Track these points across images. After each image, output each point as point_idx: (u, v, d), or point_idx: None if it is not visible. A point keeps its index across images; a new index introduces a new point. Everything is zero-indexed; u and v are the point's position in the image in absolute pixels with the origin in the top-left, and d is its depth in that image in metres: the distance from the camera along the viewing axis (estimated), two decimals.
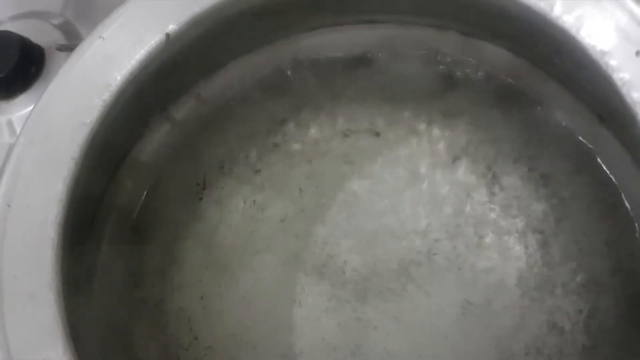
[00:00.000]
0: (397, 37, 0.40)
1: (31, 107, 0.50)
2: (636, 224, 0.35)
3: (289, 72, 0.41)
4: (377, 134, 0.41)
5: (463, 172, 0.39)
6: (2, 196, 0.27)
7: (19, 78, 0.53)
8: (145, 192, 0.40)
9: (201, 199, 0.41)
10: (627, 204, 0.35)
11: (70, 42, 0.54)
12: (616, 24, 0.26)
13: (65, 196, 0.27)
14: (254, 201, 0.41)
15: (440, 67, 0.40)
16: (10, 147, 0.28)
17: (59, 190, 0.27)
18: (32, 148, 0.28)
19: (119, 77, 0.29)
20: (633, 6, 0.26)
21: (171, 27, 0.30)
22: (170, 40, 0.30)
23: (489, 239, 0.38)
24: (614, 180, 0.36)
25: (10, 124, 0.53)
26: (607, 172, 0.36)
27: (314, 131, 0.42)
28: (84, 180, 0.29)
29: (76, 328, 0.27)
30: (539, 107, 0.38)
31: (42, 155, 0.27)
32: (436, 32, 0.39)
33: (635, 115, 0.25)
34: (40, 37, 0.54)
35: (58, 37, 0.55)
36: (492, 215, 0.38)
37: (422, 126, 0.40)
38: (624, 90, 0.25)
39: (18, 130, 0.51)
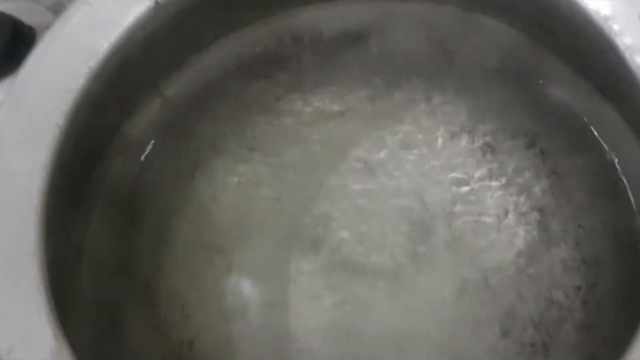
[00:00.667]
0: (396, 12, 0.40)
1: None
2: (633, 200, 0.35)
3: (284, 48, 0.41)
4: (373, 112, 0.41)
5: (462, 148, 0.39)
6: None
7: (9, 59, 0.52)
8: (136, 170, 0.39)
9: (193, 177, 0.40)
10: (625, 180, 0.35)
11: None
12: None
13: (50, 164, 0.26)
14: (249, 179, 0.40)
15: (439, 42, 0.40)
16: None
17: (43, 158, 0.27)
18: (16, 114, 0.27)
19: (105, 45, 0.29)
20: None
21: None
22: (159, 6, 0.30)
23: (487, 217, 0.38)
24: (613, 156, 0.36)
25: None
26: (606, 148, 0.36)
27: (309, 108, 0.41)
28: (71, 150, 0.29)
29: (65, 306, 0.27)
30: (539, 82, 0.38)
31: (27, 121, 0.27)
32: (434, 7, 0.39)
33: (639, 80, 0.25)
34: (31, 19, 0.54)
35: (50, 19, 0.54)
36: (491, 192, 0.38)
37: (420, 102, 0.40)
38: (627, 55, 0.26)
39: None
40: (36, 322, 0.24)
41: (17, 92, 0.28)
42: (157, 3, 0.30)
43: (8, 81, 0.52)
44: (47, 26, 0.53)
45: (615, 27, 0.26)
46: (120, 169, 0.38)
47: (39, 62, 0.29)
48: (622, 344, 0.24)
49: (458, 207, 0.38)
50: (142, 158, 0.40)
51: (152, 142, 0.40)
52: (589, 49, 0.29)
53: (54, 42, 0.29)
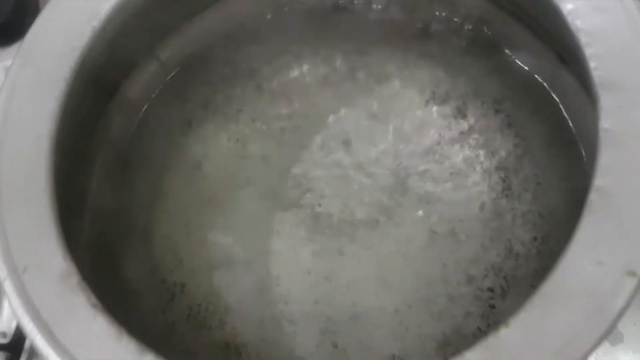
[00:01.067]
0: None
1: None
2: (585, 159, 0.36)
3: (270, 17, 0.43)
4: (355, 78, 0.43)
5: (435, 112, 0.41)
6: (0, 111, 0.29)
7: (15, 27, 0.54)
8: (133, 128, 0.41)
9: (186, 135, 0.42)
10: (579, 141, 0.37)
11: None
12: None
13: (58, 113, 0.29)
14: (237, 139, 0.42)
15: (415, 13, 0.42)
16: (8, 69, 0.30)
17: (52, 107, 0.29)
18: (27, 69, 0.30)
19: (107, 7, 0.31)
20: None
21: None
22: None
23: (456, 175, 0.40)
24: (569, 119, 0.38)
25: (7, 70, 0.54)
26: (564, 111, 0.38)
27: (295, 74, 0.43)
28: (76, 102, 0.31)
29: (68, 242, 0.29)
30: (506, 51, 0.40)
31: (37, 75, 0.30)
32: None
33: (579, 40, 0.27)
34: None
35: None
36: (461, 152, 0.40)
37: (397, 70, 0.43)
38: (569, 19, 0.28)
39: None
40: (47, 247, 0.26)
41: (28, 49, 0.30)
42: None
43: (16, 45, 0.54)
44: None
45: None
46: (119, 126, 0.40)
47: (47, 22, 0.31)
48: None
49: (430, 166, 0.40)
50: (140, 116, 0.42)
51: (149, 102, 0.42)
52: (543, 16, 0.31)
53: (60, 3, 0.31)
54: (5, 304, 0.48)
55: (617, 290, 0.23)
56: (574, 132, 0.38)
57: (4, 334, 0.46)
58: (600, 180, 0.25)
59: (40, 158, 0.28)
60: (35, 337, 0.24)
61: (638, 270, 0.22)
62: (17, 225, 0.27)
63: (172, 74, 0.42)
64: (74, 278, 0.26)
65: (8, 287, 0.25)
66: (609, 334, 0.22)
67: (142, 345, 0.24)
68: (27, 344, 0.45)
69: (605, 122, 0.25)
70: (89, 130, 0.37)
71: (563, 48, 0.35)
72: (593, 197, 0.24)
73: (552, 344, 0.22)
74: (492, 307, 0.37)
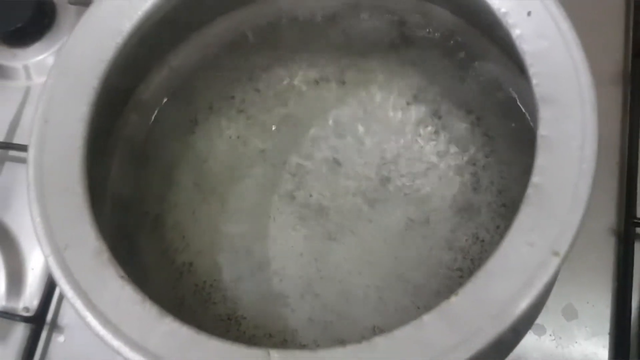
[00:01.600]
0: None
1: (45, 55, 0.59)
2: None
3: (268, 28, 0.47)
4: (343, 82, 0.47)
5: (414, 114, 0.46)
6: (41, 114, 0.34)
7: (33, 29, 0.59)
8: (147, 126, 0.45)
9: (194, 133, 0.47)
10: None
11: None
12: None
13: (88, 116, 0.34)
14: (238, 136, 0.47)
15: (397, 25, 0.46)
16: (46, 77, 0.35)
17: (84, 111, 0.34)
18: (62, 78, 0.35)
19: (128, 25, 0.36)
20: None
21: None
22: None
23: (431, 170, 0.44)
24: (530, 121, 0.41)
25: (26, 68, 0.59)
26: (526, 115, 0.42)
27: (289, 79, 0.48)
28: (101, 106, 0.36)
29: None
30: (475, 61, 0.44)
31: (70, 84, 0.34)
32: None
33: (525, 61, 0.32)
34: None
35: None
36: (436, 150, 0.44)
37: (380, 75, 0.47)
38: (517, 42, 0.33)
39: (33, 74, 0.59)
40: (82, 228, 0.31)
41: (63, 62, 0.35)
42: None
43: (35, 46, 0.59)
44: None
45: (510, 20, 0.33)
46: (135, 124, 0.44)
47: (78, 38, 0.36)
48: None
49: (408, 162, 0.44)
50: (153, 116, 0.46)
51: (161, 103, 0.46)
52: (503, 36, 0.36)
53: (89, 22, 0.36)
54: (28, 282, 0.53)
55: (544, 266, 0.28)
56: (535, 132, 0.42)
57: (27, 309, 0.52)
58: (536, 177, 0.30)
59: (74, 155, 0.33)
60: (76, 302, 0.29)
61: (561, 251, 0.28)
62: (58, 210, 0.32)
63: (181, 78, 0.46)
64: (105, 254, 0.31)
65: (52, 262, 0.30)
66: (537, 300, 0.28)
67: (162, 310, 0.30)
68: (48, 317, 0.51)
69: (543, 130, 0.31)
70: (109, 129, 0.41)
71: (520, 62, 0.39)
72: (530, 191, 0.30)
73: (491, 309, 0.28)
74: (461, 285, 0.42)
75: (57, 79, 0.35)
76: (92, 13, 0.36)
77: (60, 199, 0.32)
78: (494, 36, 0.41)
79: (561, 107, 0.31)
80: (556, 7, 0.33)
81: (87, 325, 0.29)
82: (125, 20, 0.36)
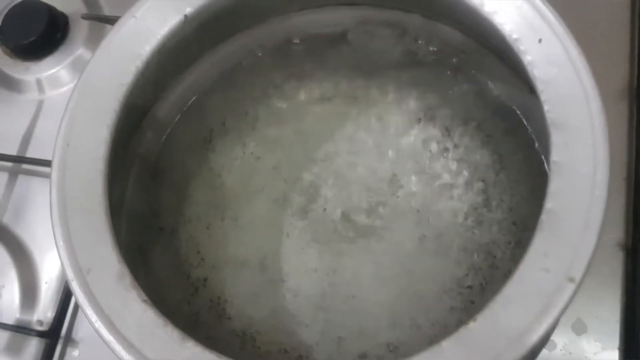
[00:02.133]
0: (372, 17, 0.46)
1: (57, 68, 0.60)
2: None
3: (281, 46, 0.48)
4: (355, 99, 0.48)
5: (424, 131, 0.46)
6: (63, 137, 0.35)
7: (46, 42, 0.59)
8: (162, 142, 0.46)
9: (207, 149, 0.47)
10: (544, 159, 0.41)
11: (91, 11, 0.61)
12: (526, 17, 0.34)
13: (109, 139, 0.35)
14: (251, 152, 0.47)
15: (406, 43, 0.47)
16: (67, 100, 0.36)
17: (105, 134, 0.35)
18: (83, 102, 0.35)
19: (148, 49, 0.37)
20: (539, 3, 0.34)
21: (188, 10, 0.38)
22: (187, 20, 0.38)
23: (443, 187, 0.44)
24: (536, 142, 0.42)
25: (39, 81, 0.60)
26: (533, 134, 0.42)
27: (302, 95, 0.48)
28: (121, 128, 0.36)
29: None
30: (483, 79, 0.45)
31: (91, 107, 0.35)
32: (403, 14, 0.45)
33: (536, 87, 0.33)
34: (64, 6, 0.61)
35: (80, 7, 0.61)
36: (447, 167, 0.45)
37: (391, 93, 0.47)
38: (529, 69, 0.33)
39: (46, 87, 0.59)
40: (105, 251, 0.32)
41: (84, 85, 0.36)
42: (185, 17, 0.38)
43: (47, 60, 0.60)
44: (78, 12, 0.61)
45: (522, 47, 0.34)
46: (150, 141, 0.45)
47: (98, 62, 0.36)
48: None
49: (420, 177, 0.45)
50: (167, 132, 0.46)
51: (175, 119, 0.46)
52: (513, 58, 0.37)
53: (109, 46, 0.37)
54: (42, 295, 0.53)
55: (560, 292, 0.28)
56: (541, 153, 0.42)
57: (41, 322, 0.52)
58: (550, 203, 0.30)
59: (96, 177, 0.34)
60: (100, 327, 0.30)
61: (576, 277, 0.28)
62: (80, 233, 0.32)
63: (196, 96, 0.47)
64: (127, 278, 0.31)
65: (75, 286, 0.31)
66: (554, 326, 0.28)
67: (183, 334, 0.30)
68: (63, 331, 0.51)
69: (555, 156, 0.31)
70: (125, 147, 0.42)
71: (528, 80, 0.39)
72: (544, 217, 0.30)
73: (509, 335, 0.28)
74: (472, 302, 0.41)
75: (78, 102, 0.36)
76: (112, 38, 0.37)
77: (83, 221, 0.33)
78: (503, 56, 0.42)
79: (572, 133, 0.31)
80: (566, 34, 0.33)
81: (111, 349, 0.29)
82: (145, 44, 0.37)
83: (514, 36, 0.34)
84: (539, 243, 0.30)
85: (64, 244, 0.32)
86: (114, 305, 0.30)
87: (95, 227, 0.32)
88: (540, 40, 0.33)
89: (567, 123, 0.31)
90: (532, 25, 0.33)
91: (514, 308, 0.28)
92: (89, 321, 0.30)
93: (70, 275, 0.31)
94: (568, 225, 0.30)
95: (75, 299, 0.31)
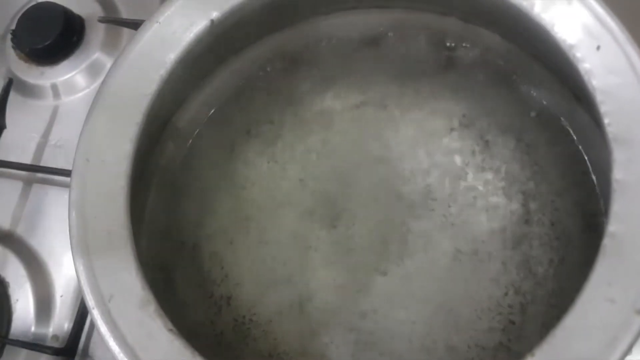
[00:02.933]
0: (406, 21, 0.44)
1: (73, 73, 0.58)
2: (597, 188, 0.39)
3: (309, 50, 0.46)
4: (385, 106, 0.46)
5: (460, 141, 0.44)
6: (82, 153, 0.33)
7: (62, 46, 0.57)
8: (183, 153, 0.44)
9: (231, 159, 0.45)
10: (591, 171, 0.40)
11: (108, 14, 0.59)
12: (582, 22, 0.31)
13: (132, 154, 0.33)
14: (277, 162, 0.45)
15: (442, 47, 0.45)
16: (87, 113, 0.34)
17: (127, 149, 0.33)
18: (103, 114, 0.33)
19: (172, 56, 0.35)
20: (596, 7, 0.31)
21: (215, 14, 0.36)
22: (214, 24, 0.36)
23: (479, 198, 0.42)
24: (582, 151, 0.40)
25: (54, 87, 0.58)
26: (578, 144, 0.41)
27: (330, 102, 0.46)
28: (143, 141, 0.35)
29: None
30: (525, 86, 0.43)
31: (112, 120, 0.33)
32: (439, 18, 0.43)
33: (595, 98, 0.31)
34: (81, 9, 0.59)
35: (97, 9, 0.59)
36: (484, 178, 0.43)
37: (424, 100, 0.45)
38: (586, 78, 0.31)
39: (61, 93, 0.57)
40: (128, 276, 0.30)
41: (104, 96, 0.34)
42: (212, 22, 0.36)
43: (63, 64, 0.58)
44: (94, 15, 0.59)
45: (578, 54, 0.31)
46: (171, 152, 0.43)
47: (120, 70, 0.34)
48: None
49: (455, 190, 0.43)
50: (189, 143, 0.44)
51: (197, 129, 0.44)
52: (562, 66, 0.34)
53: (131, 54, 0.34)
54: (57, 309, 0.52)
55: (627, 326, 0.26)
56: (587, 162, 0.40)
57: (57, 337, 0.50)
58: (613, 226, 0.28)
59: (118, 195, 0.32)
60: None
61: None
62: (101, 257, 0.30)
63: (219, 103, 0.45)
64: (152, 306, 0.29)
65: (96, 315, 0.29)
66: None
67: None
68: (80, 348, 0.49)
69: (618, 174, 0.29)
70: (147, 160, 0.40)
71: (580, 91, 0.37)
72: (607, 241, 0.28)
73: None
74: (512, 322, 0.39)
75: (98, 114, 0.33)
76: (134, 44, 0.35)
77: (104, 244, 0.31)
78: (550, 63, 0.40)
79: (636, 147, 0.29)
80: (627, 40, 0.31)
81: None
82: (169, 51, 0.35)
83: (569, 42, 0.31)
84: (602, 270, 0.27)
85: (84, 269, 0.30)
86: (139, 335, 0.28)
87: (118, 250, 0.30)
88: (598, 47, 0.30)
89: (630, 138, 0.29)
90: (590, 30, 0.31)
91: (576, 343, 0.26)
92: (111, 353, 0.28)
93: (91, 303, 0.29)
94: (634, 250, 0.27)
95: (97, 328, 0.29)
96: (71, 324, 0.48)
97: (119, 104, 0.34)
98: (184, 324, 0.32)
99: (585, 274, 0.38)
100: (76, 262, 0.30)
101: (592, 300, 0.27)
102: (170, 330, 0.28)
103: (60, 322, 0.51)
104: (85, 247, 0.31)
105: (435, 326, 0.40)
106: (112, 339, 0.28)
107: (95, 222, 0.31)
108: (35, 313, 0.50)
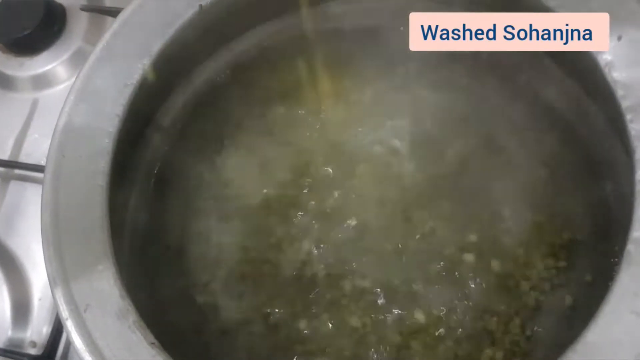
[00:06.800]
0: (408, 9, 0.40)
1: (54, 64, 0.55)
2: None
3: (305, 41, 0.43)
4: (380, 99, 0.44)
5: (465, 135, 0.42)
6: (57, 148, 0.30)
7: (42, 36, 0.55)
8: (168, 150, 0.42)
9: (219, 154, 0.43)
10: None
11: (91, 2, 0.57)
12: None
13: (111, 149, 0.30)
14: (266, 159, 0.43)
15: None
16: (64, 103, 0.31)
17: (106, 144, 0.30)
18: (81, 106, 0.31)
19: (157, 45, 0.32)
20: None
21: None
22: (203, 9, 0.33)
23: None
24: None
25: (33, 79, 0.55)
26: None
27: (325, 97, 0.44)
28: (124, 136, 0.32)
29: None
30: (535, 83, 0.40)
31: (91, 112, 0.31)
32: (443, 6, 0.40)
33: (615, 92, 0.28)
34: None
35: None
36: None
37: (423, 93, 0.43)
38: (606, 71, 0.28)
39: (41, 85, 0.55)
40: (105, 283, 0.27)
41: (82, 86, 0.31)
42: (201, 7, 0.33)
43: (43, 55, 0.55)
44: (76, 3, 0.57)
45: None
46: (155, 150, 0.41)
47: (100, 59, 0.32)
48: None
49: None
50: (174, 139, 0.42)
51: (182, 125, 0.42)
52: (578, 56, 0.32)
53: (112, 41, 0.32)
54: (35, 312, 0.49)
55: None
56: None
57: (34, 343, 0.48)
58: (637, 232, 0.26)
59: (96, 194, 0.29)
60: None
61: None
62: (77, 262, 0.28)
63: (206, 98, 0.43)
64: (132, 316, 0.27)
65: (70, 326, 0.26)
66: None
67: None
68: (58, 354, 0.47)
69: None
70: (128, 155, 0.37)
71: (593, 84, 0.35)
72: (630, 248, 0.26)
73: None
74: None
75: (75, 106, 0.31)
76: (116, 32, 0.32)
77: (80, 247, 0.28)
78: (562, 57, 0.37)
79: None
80: None
81: None
82: (154, 39, 0.32)
83: None
84: (628, 280, 0.25)
85: (57, 275, 0.27)
86: (117, 349, 0.26)
87: (95, 255, 0.28)
88: (619, 38, 0.28)
89: None
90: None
91: (601, 357, 0.24)
92: None
93: (64, 313, 0.27)
94: None
95: (71, 341, 0.26)
96: (50, 329, 0.46)
97: (99, 95, 0.31)
98: (167, 335, 0.29)
99: None
100: (48, 268, 0.27)
101: (617, 313, 0.25)
102: (152, 344, 0.26)
103: (39, 326, 0.48)
104: (58, 251, 0.28)
105: None
106: (87, 353, 0.26)
107: (71, 224, 0.29)
108: (12, 317, 0.48)
